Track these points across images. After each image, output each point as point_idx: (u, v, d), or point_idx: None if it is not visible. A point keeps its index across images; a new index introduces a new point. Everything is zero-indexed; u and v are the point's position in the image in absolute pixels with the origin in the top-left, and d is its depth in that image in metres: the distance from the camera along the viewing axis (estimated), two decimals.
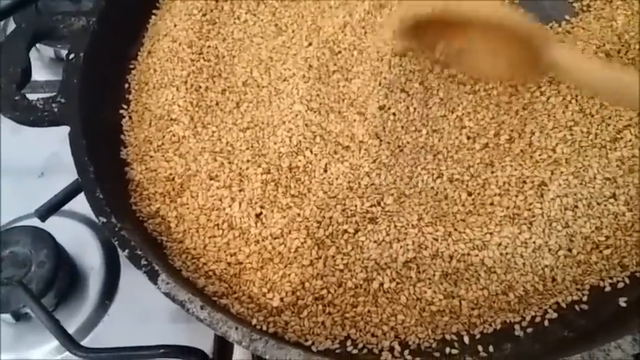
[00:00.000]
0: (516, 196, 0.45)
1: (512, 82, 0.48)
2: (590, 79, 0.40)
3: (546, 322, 0.41)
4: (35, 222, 0.51)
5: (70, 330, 0.50)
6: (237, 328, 0.36)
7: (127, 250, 0.40)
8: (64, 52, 0.63)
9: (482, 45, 0.45)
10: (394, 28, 0.48)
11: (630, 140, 0.46)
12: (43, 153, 0.62)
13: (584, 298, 0.42)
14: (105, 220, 0.41)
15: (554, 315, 0.41)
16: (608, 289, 0.42)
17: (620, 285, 0.42)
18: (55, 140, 0.55)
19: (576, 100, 0.48)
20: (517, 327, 0.41)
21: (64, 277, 0.51)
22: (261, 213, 0.44)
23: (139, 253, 0.39)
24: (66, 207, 0.52)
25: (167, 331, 0.50)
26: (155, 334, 0.50)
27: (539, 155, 0.46)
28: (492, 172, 0.46)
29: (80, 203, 0.45)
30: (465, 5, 0.43)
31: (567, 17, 0.55)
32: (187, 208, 0.46)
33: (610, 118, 0.48)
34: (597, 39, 0.52)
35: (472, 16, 0.43)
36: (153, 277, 0.38)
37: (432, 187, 0.46)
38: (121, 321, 0.52)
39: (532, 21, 0.45)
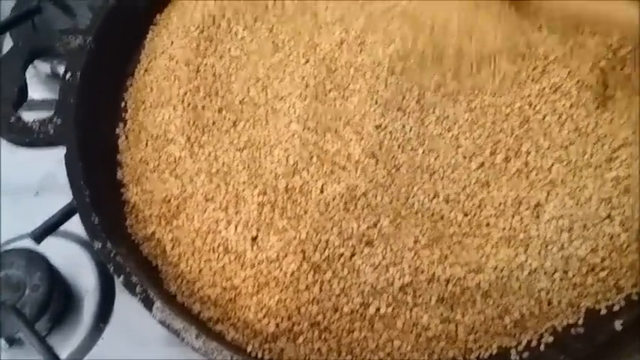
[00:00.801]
0: (512, 217, 0.44)
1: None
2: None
3: (542, 347, 0.41)
4: (29, 243, 0.51)
5: (65, 354, 0.51)
6: (232, 358, 0.36)
7: (122, 277, 0.40)
8: (60, 68, 0.63)
9: None
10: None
11: (626, 160, 0.46)
12: (38, 172, 0.62)
13: (580, 322, 0.42)
14: (100, 246, 0.41)
15: (550, 339, 0.41)
16: (603, 312, 0.42)
17: (616, 308, 0.42)
18: (51, 159, 0.54)
19: (572, 119, 0.48)
20: (513, 351, 0.41)
21: (59, 300, 0.51)
22: (257, 236, 0.44)
23: (134, 280, 0.39)
24: (61, 227, 0.52)
25: (163, 355, 0.50)
26: (150, 357, 0.50)
27: (536, 175, 0.46)
28: (488, 193, 0.46)
29: (75, 224, 0.45)
30: None
31: None
32: (183, 231, 0.45)
33: (605, 137, 0.47)
34: (592, 54, 0.52)
35: None
36: (148, 304, 0.38)
37: (428, 208, 0.46)
38: (116, 344, 0.52)
39: None
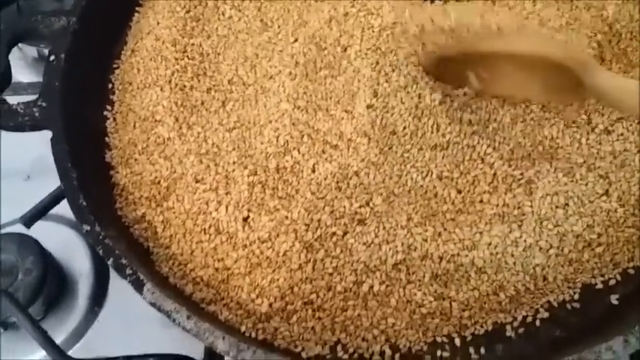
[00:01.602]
0: (505, 193, 0.44)
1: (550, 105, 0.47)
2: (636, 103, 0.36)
3: (538, 322, 0.41)
4: (22, 228, 0.51)
5: (60, 337, 0.50)
6: (224, 338, 0.35)
7: (111, 259, 0.39)
8: (47, 52, 0.62)
9: (515, 72, 0.42)
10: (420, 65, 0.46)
11: (622, 134, 0.45)
12: (28, 155, 0.61)
13: (576, 297, 0.41)
14: (89, 228, 0.41)
15: (546, 314, 0.41)
16: (599, 286, 0.42)
17: (612, 282, 0.42)
18: (41, 142, 0.53)
19: None
20: (508, 327, 0.40)
21: (52, 283, 0.51)
22: (248, 216, 0.43)
23: (124, 262, 0.39)
24: (53, 211, 0.52)
25: (158, 337, 0.50)
26: (146, 340, 0.50)
27: (530, 148, 0.46)
28: (481, 169, 0.45)
29: (67, 207, 0.44)
30: (498, 44, 0.40)
31: None
32: (173, 213, 0.45)
33: (603, 108, 0.47)
34: (588, 28, 0.51)
35: (508, 53, 0.40)
36: (138, 286, 0.38)
37: (422, 186, 0.45)
38: (111, 327, 0.52)
39: (570, 47, 0.43)
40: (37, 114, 0.47)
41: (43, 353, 0.48)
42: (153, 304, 0.37)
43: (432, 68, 0.46)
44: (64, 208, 0.47)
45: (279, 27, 0.54)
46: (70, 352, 0.50)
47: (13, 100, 0.49)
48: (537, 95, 0.44)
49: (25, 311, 0.45)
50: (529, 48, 0.40)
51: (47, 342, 0.43)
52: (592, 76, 0.38)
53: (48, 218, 0.53)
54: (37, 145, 0.57)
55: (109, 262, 0.39)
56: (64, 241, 0.55)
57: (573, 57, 0.39)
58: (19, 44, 0.64)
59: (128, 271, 0.38)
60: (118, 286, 0.53)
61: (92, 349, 0.51)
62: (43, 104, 0.47)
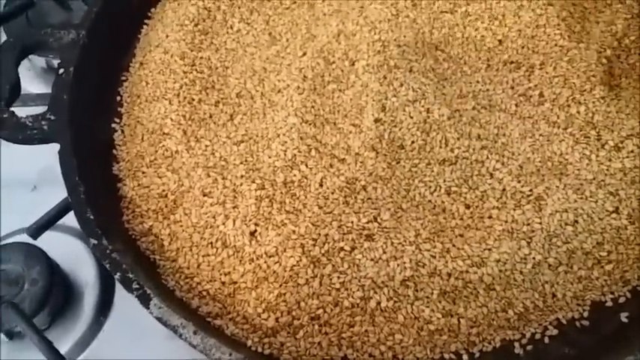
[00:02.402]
0: (514, 209, 0.44)
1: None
2: None
3: (546, 339, 0.40)
4: (28, 238, 0.51)
5: (65, 347, 0.50)
6: (230, 354, 0.35)
7: (118, 274, 0.39)
8: (56, 62, 0.62)
9: None
10: None
11: (632, 150, 0.45)
12: (36, 166, 0.61)
13: (585, 314, 0.41)
14: (96, 242, 0.41)
15: (555, 332, 0.40)
16: (609, 304, 0.41)
17: (622, 300, 0.41)
18: (48, 153, 0.53)
19: (577, 108, 0.47)
20: (517, 345, 0.40)
21: (58, 294, 0.51)
22: (255, 230, 0.43)
23: (131, 276, 0.39)
24: (60, 221, 0.52)
25: (163, 347, 0.49)
26: (151, 350, 0.50)
27: (539, 165, 0.45)
28: (490, 184, 0.45)
29: (73, 218, 0.44)
30: None
31: None
32: (180, 226, 0.45)
33: (613, 124, 0.47)
34: (597, 43, 0.51)
35: None
36: (145, 300, 0.38)
37: (430, 201, 0.45)
38: (117, 338, 0.51)
39: None
40: (45, 127, 0.47)
41: None
42: (159, 319, 0.37)
43: None
44: (70, 218, 0.47)
45: (287, 41, 0.54)
46: None
47: (20, 110, 0.49)
48: None
49: (30, 322, 0.45)
50: None
51: (52, 352, 0.43)
52: None
53: (55, 228, 0.53)
54: (44, 155, 0.57)
55: (116, 277, 0.39)
56: (70, 251, 0.55)
57: None
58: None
59: (135, 286, 0.38)
60: (123, 296, 0.52)
61: (97, 359, 0.51)
62: (52, 117, 0.47)
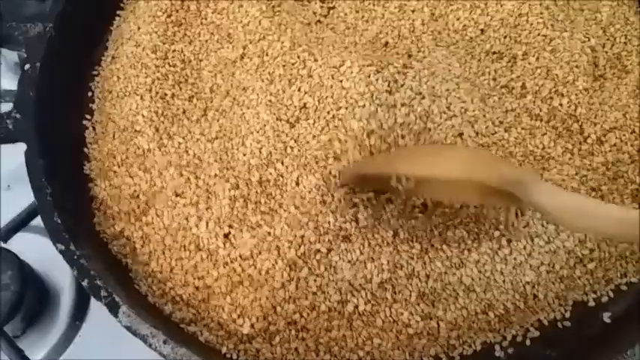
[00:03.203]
0: (493, 208, 0.42)
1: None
2: (582, 222, 0.31)
3: (528, 342, 0.39)
4: None
5: (40, 353, 0.49)
6: None
7: (86, 280, 0.38)
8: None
9: (445, 186, 0.37)
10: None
11: (615, 144, 0.44)
12: (9, 164, 0.59)
13: (567, 315, 0.40)
14: (63, 248, 0.39)
15: (536, 333, 0.40)
16: (591, 303, 0.40)
17: (605, 299, 0.41)
18: (23, 151, 0.52)
19: (560, 99, 0.46)
20: (497, 347, 0.39)
21: (32, 298, 0.49)
22: (229, 233, 0.42)
23: (99, 283, 0.37)
24: (33, 222, 0.50)
25: (141, 351, 0.48)
26: (128, 355, 0.48)
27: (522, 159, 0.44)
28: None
29: None
30: (435, 169, 0.36)
31: None
32: (153, 228, 0.43)
33: (596, 117, 0.45)
34: (582, 32, 0.49)
35: (441, 179, 0.36)
36: (113, 309, 0.37)
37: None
38: (93, 342, 0.50)
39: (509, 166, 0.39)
40: (10, 126, 0.45)
41: None
42: (128, 328, 0.36)
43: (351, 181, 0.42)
44: None
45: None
46: None
47: None
48: (472, 200, 0.39)
49: (0, 330, 0.43)
50: (461, 175, 0.35)
51: None
52: (531, 194, 0.32)
53: (27, 230, 0.51)
54: (19, 153, 0.56)
55: (84, 284, 0.38)
56: (44, 253, 0.53)
57: (510, 180, 0.34)
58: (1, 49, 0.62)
59: (103, 293, 0.37)
60: None
61: None
62: (17, 116, 0.45)
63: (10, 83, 0.66)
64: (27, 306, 0.49)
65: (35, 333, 0.51)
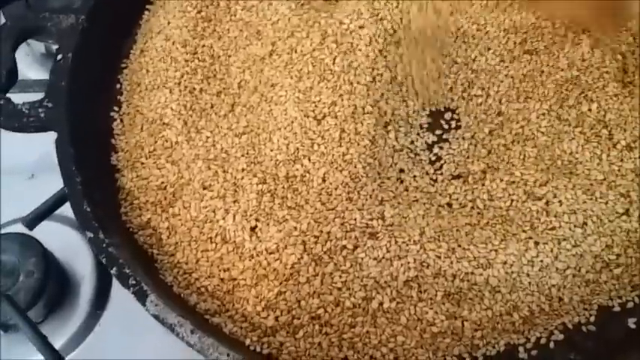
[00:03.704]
0: (521, 210, 0.42)
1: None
2: None
3: (552, 344, 0.39)
4: (24, 228, 0.50)
5: (61, 341, 0.49)
6: (228, 355, 0.34)
7: (114, 268, 0.38)
8: (55, 48, 0.61)
9: None
10: None
11: None
12: (33, 153, 0.60)
13: (592, 319, 0.40)
14: (92, 236, 0.40)
15: (560, 336, 0.39)
16: (617, 309, 0.40)
17: (630, 305, 0.40)
18: (47, 140, 0.52)
19: (589, 105, 0.46)
20: (521, 349, 0.39)
21: (54, 286, 0.50)
22: (256, 226, 0.42)
23: (127, 271, 0.38)
24: (56, 211, 0.51)
25: (161, 343, 0.48)
26: (149, 345, 0.49)
27: (548, 163, 0.44)
28: (498, 180, 0.44)
29: (70, 207, 0.43)
30: None
31: None
32: (179, 220, 0.44)
33: (626, 123, 0.45)
34: (612, 40, 0.49)
35: None
36: (141, 297, 0.37)
37: (435, 198, 0.44)
38: (113, 331, 0.51)
39: None
40: (42, 115, 0.46)
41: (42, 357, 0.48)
42: (156, 317, 0.36)
43: None
44: (67, 208, 0.46)
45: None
46: (70, 356, 0.50)
47: (18, 97, 0.48)
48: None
49: (24, 315, 0.44)
50: None
51: (46, 347, 0.42)
52: None
53: (51, 218, 0.52)
54: (43, 142, 0.56)
55: (112, 272, 0.38)
56: (66, 242, 0.54)
57: None
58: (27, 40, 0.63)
59: (131, 282, 0.37)
60: (120, 289, 0.51)
61: (93, 354, 0.50)
62: (49, 105, 0.46)
63: (37, 74, 0.67)
64: (49, 293, 0.50)
65: (56, 320, 0.51)
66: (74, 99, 0.47)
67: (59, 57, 0.48)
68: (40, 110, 0.46)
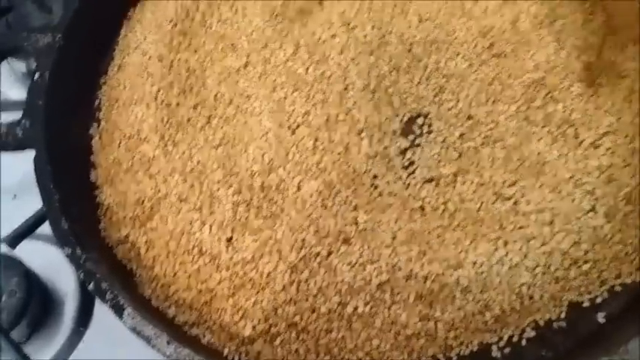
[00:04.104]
0: (490, 211, 0.43)
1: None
2: None
3: (524, 342, 0.40)
4: (6, 248, 0.50)
5: (45, 358, 0.50)
6: None
7: (92, 283, 0.39)
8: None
9: None
10: None
11: (609, 148, 0.45)
12: (16, 174, 0.61)
13: (562, 315, 0.41)
14: (70, 252, 0.40)
15: (532, 334, 0.40)
16: (586, 304, 0.41)
17: (599, 300, 0.41)
18: (29, 160, 0.53)
19: (554, 104, 0.47)
20: (494, 348, 0.40)
21: (37, 304, 0.51)
22: (232, 237, 0.43)
23: (104, 286, 0.38)
24: (38, 230, 0.51)
25: (145, 356, 0.49)
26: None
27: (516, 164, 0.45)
28: (469, 182, 0.45)
29: None
30: None
31: None
32: (157, 233, 0.44)
33: (591, 122, 0.46)
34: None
35: None
36: (118, 310, 0.38)
37: (408, 201, 0.45)
38: (97, 348, 0.51)
39: None
40: (19, 134, 0.46)
41: None
42: (133, 329, 0.37)
43: None
44: (49, 227, 0.46)
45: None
46: None
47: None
48: None
49: (7, 335, 0.44)
50: None
51: None
52: None
53: (33, 237, 0.52)
54: (24, 163, 0.57)
55: (90, 287, 0.39)
56: (49, 260, 0.55)
57: None
58: (8, 59, 0.64)
59: (109, 296, 0.38)
60: (103, 306, 0.52)
61: None
62: (27, 124, 0.47)
63: (18, 93, 0.68)
64: (32, 312, 0.51)
65: (40, 339, 0.52)
66: (52, 117, 0.48)
67: (36, 76, 0.49)
68: (17, 129, 0.47)
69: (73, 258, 0.40)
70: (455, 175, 0.45)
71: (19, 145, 0.47)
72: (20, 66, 0.68)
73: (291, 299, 0.41)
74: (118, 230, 0.45)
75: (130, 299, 0.39)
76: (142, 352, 0.48)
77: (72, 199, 0.45)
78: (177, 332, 0.40)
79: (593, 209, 0.42)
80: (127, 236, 0.45)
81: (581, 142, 0.45)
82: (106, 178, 0.48)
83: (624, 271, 0.41)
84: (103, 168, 0.49)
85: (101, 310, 0.52)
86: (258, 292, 0.41)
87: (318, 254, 0.42)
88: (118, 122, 0.51)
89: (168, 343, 0.36)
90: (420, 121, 0.49)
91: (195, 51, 0.54)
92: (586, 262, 0.41)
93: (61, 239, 0.41)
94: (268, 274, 0.41)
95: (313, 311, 0.40)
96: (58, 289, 0.53)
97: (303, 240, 0.42)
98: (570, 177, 0.43)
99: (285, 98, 0.49)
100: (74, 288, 0.53)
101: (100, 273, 0.39)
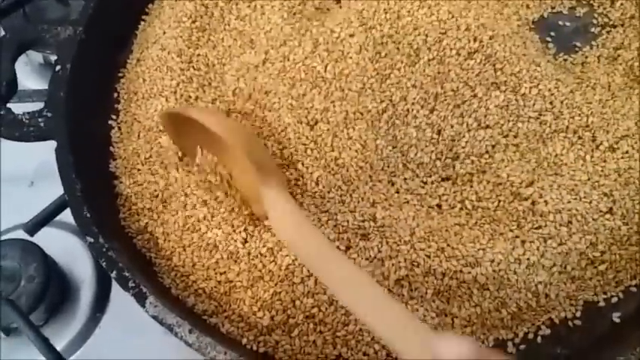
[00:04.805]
0: (508, 210, 0.44)
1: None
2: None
3: (539, 339, 0.41)
4: (25, 234, 0.51)
5: (61, 344, 0.50)
6: (225, 353, 0.35)
7: (114, 272, 0.39)
8: (53, 58, 0.62)
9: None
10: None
11: (627, 151, 0.45)
12: (33, 161, 0.61)
13: (578, 314, 0.41)
14: (92, 241, 0.41)
15: (547, 331, 0.41)
16: (602, 304, 0.42)
17: (614, 300, 0.42)
18: (46, 148, 0.53)
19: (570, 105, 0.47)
20: (510, 344, 0.40)
21: (55, 290, 0.51)
22: (252, 231, 0.43)
23: (127, 274, 0.39)
24: (56, 217, 0.52)
25: (160, 344, 0.49)
26: (148, 347, 0.50)
27: (534, 164, 0.46)
28: (485, 182, 0.45)
29: (70, 214, 0.44)
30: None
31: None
32: (170, 227, 0.45)
33: (608, 125, 0.47)
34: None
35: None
36: (141, 299, 0.38)
37: (425, 199, 0.45)
38: (113, 334, 0.52)
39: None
40: (42, 124, 0.47)
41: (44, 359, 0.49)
42: (155, 318, 0.37)
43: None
44: (67, 214, 0.47)
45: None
46: (71, 358, 0.51)
47: (16, 107, 0.49)
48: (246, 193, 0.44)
49: (26, 318, 0.45)
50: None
51: (48, 349, 0.43)
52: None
53: (51, 225, 0.53)
54: (42, 150, 0.57)
55: (112, 275, 0.39)
56: (66, 248, 0.55)
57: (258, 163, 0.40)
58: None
59: (131, 284, 0.39)
60: (120, 292, 0.52)
61: (93, 355, 0.51)
62: (48, 114, 0.47)
63: (36, 83, 0.69)
64: (50, 297, 0.51)
65: (57, 324, 0.52)
66: (73, 108, 0.48)
67: (58, 68, 0.50)
68: (39, 120, 0.47)
69: (95, 247, 0.40)
70: (471, 174, 0.46)
71: (41, 136, 0.47)
72: (37, 56, 0.69)
73: (309, 291, 0.41)
74: (137, 220, 0.46)
75: (151, 287, 0.39)
76: (157, 337, 0.49)
77: (92, 189, 0.45)
78: (196, 321, 0.40)
79: (610, 211, 0.43)
80: (145, 226, 0.45)
81: (599, 145, 0.45)
82: (125, 169, 0.49)
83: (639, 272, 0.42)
84: (122, 159, 0.49)
85: (118, 297, 0.53)
86: (276, 284, 0.41)
87: (337, 248, 0.42)
88: (137, 114, 0.51)
89: (190, 331, 0.36)
90: None
91: (214, 47, 0.55)
92: (602, 262, 0.42)
93: (83, 228, 0.41)
94: (287, 267, 0.42)
95: (331, 304, 0.41)
96: (75, 276, 0.54)
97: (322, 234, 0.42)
98: (588, 179, 0.44)
99: (303, 95, 0.49)
100: (91, 275, 0.54)
101: (121, 262, 0.40)
